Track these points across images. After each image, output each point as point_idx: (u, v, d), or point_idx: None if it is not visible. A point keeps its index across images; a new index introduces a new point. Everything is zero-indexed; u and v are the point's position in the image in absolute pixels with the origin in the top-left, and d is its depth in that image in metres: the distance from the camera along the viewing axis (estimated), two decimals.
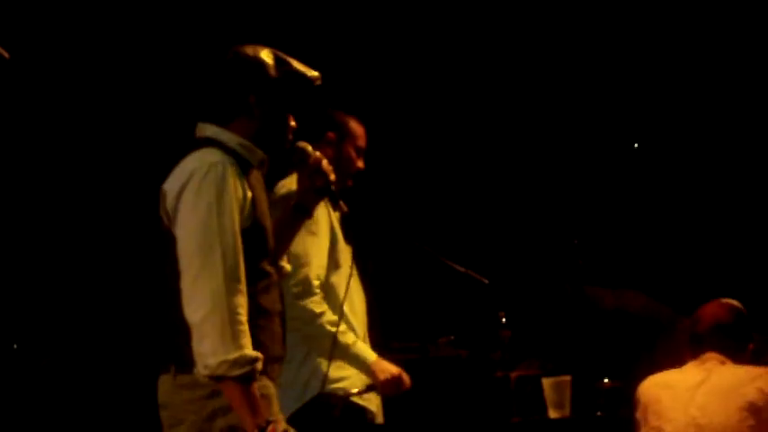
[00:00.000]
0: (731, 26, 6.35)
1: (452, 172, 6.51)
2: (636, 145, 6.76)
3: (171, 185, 2.91)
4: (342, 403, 3.72)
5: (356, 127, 4.11)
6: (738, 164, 6.62)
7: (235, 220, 2.85)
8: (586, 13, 6.37)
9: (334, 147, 4.00)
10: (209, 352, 2.75)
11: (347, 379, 3.78)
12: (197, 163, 2.90)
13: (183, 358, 2.85)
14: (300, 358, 3.78)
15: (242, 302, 2.81)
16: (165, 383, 2.93)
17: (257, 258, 2.93)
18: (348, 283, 3.66)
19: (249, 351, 2.78)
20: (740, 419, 3.71)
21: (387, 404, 4.16)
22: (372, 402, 3.92)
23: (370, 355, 3.95)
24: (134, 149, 5.68)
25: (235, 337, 2.76)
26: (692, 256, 6.49)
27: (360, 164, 4.09)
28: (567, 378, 4.67)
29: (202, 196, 2.84)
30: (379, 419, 4.00)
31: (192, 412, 2.85)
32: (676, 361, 4.16)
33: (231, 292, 2.79)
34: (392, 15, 6.17)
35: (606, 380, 4.95)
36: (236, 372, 2.75)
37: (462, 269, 4.52)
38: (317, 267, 3.88)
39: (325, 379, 3.69)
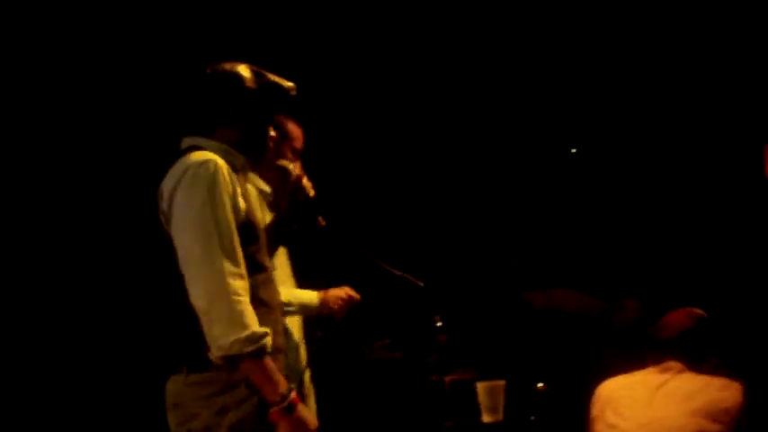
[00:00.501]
0: (663, 32, 6.39)
1: (389, 175, 6.51)
2: (573, 150, 6.79)
3: (166, 185, 3.06)
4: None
5: (294, 129, 4.09)
6: (671, 167, 6.67)
7: (229, 211, 2.99)
8: (518, 19, 6.37)
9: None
10: (220, 334, 2.88)
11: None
12: (189, 161, 3.04)
13: (194, 358, 2.99)
14: None
15: (244, 285, 2.95)
16: (177, 384, 3.05)
17: (253, 251, 3.07)
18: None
19: (258, 328, 2.91)
20: (694, 425, 3.74)
21: (321, 406, 4.14)
22: (307, 404, 3.88)
23: (311, 296, 4.00)
24: (128, 155, 5.65)
25: (242, 317, 2.89)
26: (627, 256, 6.53)
27: (297, 170, 3.99)
28: (501, 383, 4.68)
29: (196, 189, 2.98)
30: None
31: (205, 407, 2.97)
32: (623, 364, 4.20)
33: (233, 276, 2.93)
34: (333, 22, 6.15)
35: (540, 384, 4.97)
36: (249, 348, 2.89)
37: (398, 272, 4.52)
38: None
39: None
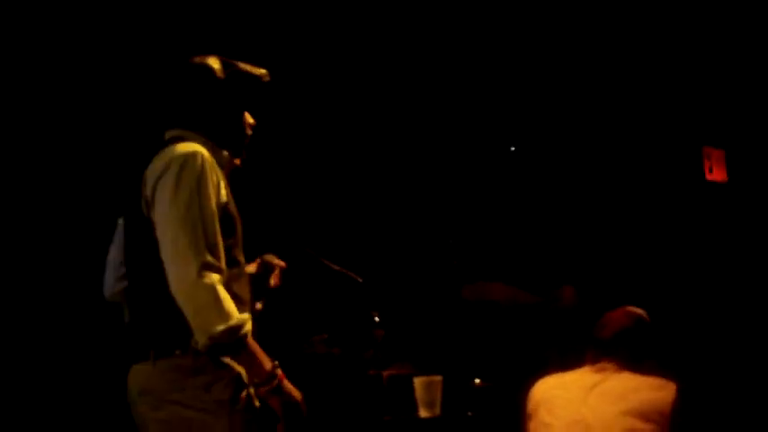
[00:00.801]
0: (601, 31, 6.43)
1: (329, 170, 6.49)
2: (512, 148, 6.82)
3: (151, 172, 3.10)
4: None
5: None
6: (607, 165, 6.72)
7: (214, 204, 3.05)
8: (458, 18, 6.38)
9: None
10: (207, 324, 2.93)
11: None
12: (176, 152, 3.09)
13: (162, 343, 3.06)
14: None
15: (222, 279, 3.00)
16: (144, 371, 3.10)
17: (230, 246, 3.13)
18: None
19: (240, 314, 2.98)
20: (625, 424, 3.76)
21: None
22: None
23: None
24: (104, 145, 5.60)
25: (227, 305, 2.95)
26: (562, 251, 6.57)
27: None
28: (439, 378, 4.69)
29: (184, 181, 3.03)
30: None
31: (177, 391, 3.03)
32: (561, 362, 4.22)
33: (215, 269, 2.98)
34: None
35: (477, 380, 4.99)
36: (237, 335, 2.96)
37: (337, 267, 4.51)
38: None
39: None
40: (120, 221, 3.39)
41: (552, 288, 5.94)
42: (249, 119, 3.38)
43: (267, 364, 3.08)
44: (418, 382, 4.69)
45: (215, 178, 3.09)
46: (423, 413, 4.66)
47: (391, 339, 5.01)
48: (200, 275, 2.95)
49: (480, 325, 5.71)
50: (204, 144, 3.20)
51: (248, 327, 3.00)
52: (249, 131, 3.39)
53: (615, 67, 6.56)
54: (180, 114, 3.29)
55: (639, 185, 6.64)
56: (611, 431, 3.76)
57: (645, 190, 6.63)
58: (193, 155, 3.08)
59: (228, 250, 3.10)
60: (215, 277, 2.97)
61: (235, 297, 3.05)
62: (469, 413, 4.83)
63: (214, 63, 3.30)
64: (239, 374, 3.05)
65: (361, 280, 4.55)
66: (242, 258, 3.21)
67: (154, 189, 3.08)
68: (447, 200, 6.65)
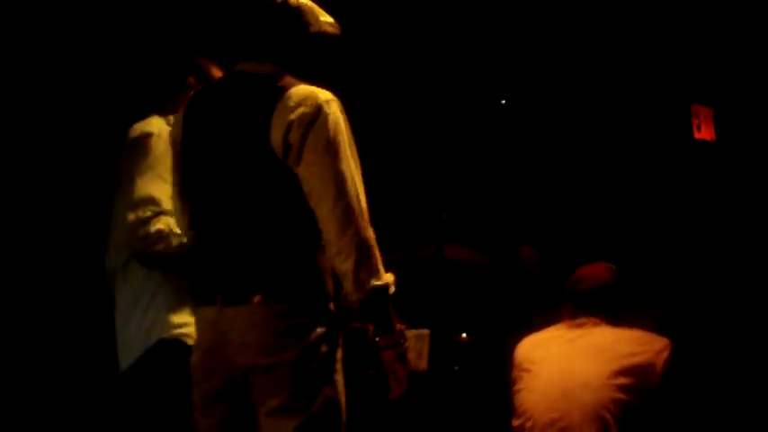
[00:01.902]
0: None
1: None
2: (503, 101, 6.79)
3: (294, 116, 2.99)
4: (184, 348, 3.58)
5: (218, 73, 3.92)
6: (599, 123, 6.71)
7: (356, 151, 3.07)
8: None
9: (194, 91, 3.87)
10: (368, 277, 2.96)
11: (190, 324, 3.64)
12: (320, 97, 3.05)
13: (282, 288, 2.99)
14: (145, 304, 3.66)
15: (372, 235, 3.03)
16: (260, 314, 2.99)
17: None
18: None
19: (389, 274, 3.03)
20: (608, 377, 3.75)
21: None
22: None
23: None
24: None
25: (381, 264, 3.01)
26: (560, 210, 6.58)
27: None
28: (426, 332, 4.67)
29: (338, 130, 3.02)
30: None
31: (295, 338, 2.99)
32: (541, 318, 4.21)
33: (371, 224, 3.03)
34: None
35: (464, 335, 4.98)
36: (389, 293, 3.03)
37: None
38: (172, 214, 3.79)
39: (168, 324, 3.60)
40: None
41: (508, 248, 5.94)
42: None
43: (399, 328, 3.12)
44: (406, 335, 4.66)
45: None
46: (409, 366, 4.64)
47: None
48: (366, 228, 2.98)
49: (465, 281, 5.70)
50: None
51: (393, 289, 3.04)
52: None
53: (605, 25, 6.52)
54: (254, 49, 3.20)
55: (628, 143, 6.62)
56: (592, 387, 3.76)
57: (633, 148, 6.61)
58: (336, 101, 3.08)
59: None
60: (372, 234, 3.01)
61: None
62: (456, 368, 4.82)
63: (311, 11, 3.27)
64: (361, 331, 3.16)
65: None
66: None
67: (305, 136, 2.98)
68: (436, 153, 6.61)
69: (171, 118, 3.76)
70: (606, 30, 6.53)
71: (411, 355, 4.60)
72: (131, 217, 3.51)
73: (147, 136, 3.64)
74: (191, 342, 3.53)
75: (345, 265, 2.97)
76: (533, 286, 5.71)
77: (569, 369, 3.83)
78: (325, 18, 3.30)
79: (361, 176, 3.03)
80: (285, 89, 3.05)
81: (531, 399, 3.88)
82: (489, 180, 6.76)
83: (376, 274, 2.98)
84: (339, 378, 3.12)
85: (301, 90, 3.05)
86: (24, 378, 5.30)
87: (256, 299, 2.98)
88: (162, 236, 3.50)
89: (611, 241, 6.06)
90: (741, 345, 5.65)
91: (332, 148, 2.98)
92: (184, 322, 3.62)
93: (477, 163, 6.75)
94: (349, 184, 2.97)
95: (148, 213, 3.52)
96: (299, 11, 3.22)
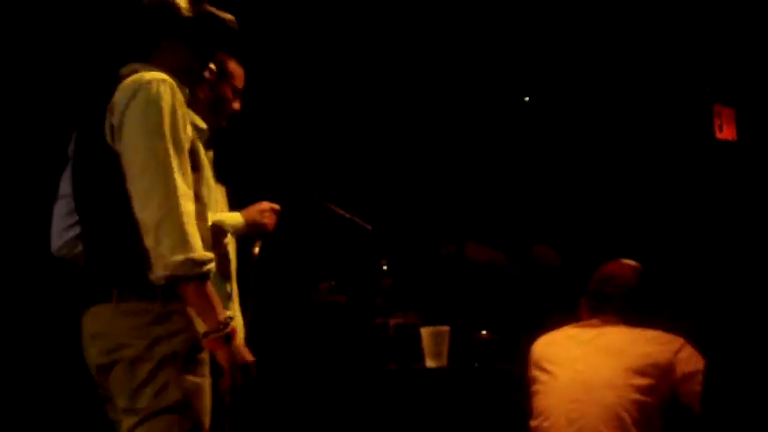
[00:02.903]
0: None
1: (342, 116, 6.47)
2: (527, 98, 6.79)
3: (119, 99, 2.94)
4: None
5: (234, 67, 3.97)
6: (620, 123, 6.70)
7: (183, 133, 2.93)
8: None
9: (209, 86, 3.86)
10: (168, 252, 2.81)
11: None
12: (145, 78, 2.95)
13: (127, 286, 2.92)
14: None
15: (193, 209, 2.89)
16: (105, 312, 2.94)
17: (194, 180, 2.99)
18: None
19: (205, 252, 2.86)
20: (626, 378, 3.73)
21: (263, 347, 4.08)
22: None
23: (235, 217, 3.90)
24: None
25: (193, 237, 2.84)
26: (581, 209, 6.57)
27: (236, 105, 3.96)
28: (446, 328, 4.67)
29: (154, 105, 2.89)
30: None
31: (137, 338, 2.88)
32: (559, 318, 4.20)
33: (185, 197, 2.86)
34: None
35: (484, 332, 4.97)
36: (198, 270, 2.83)
37: (346, 214, 4.48)
38: None
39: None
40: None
41: (526, 247, 5.93)
42: (211, 65, 3.28)
43: (221, 312, 2.91)
44: (425, 332, 4.67)
45: (183, 108, 2.97)
46: (429, 363, 4.65)
47: (399, 288, 5.00)
48: (169, 205, 2.83)
49: (486, 278, 5.70)
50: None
51: (211, 266, 2.87)
52: (209, 76, 3.32)
53: (627, 23, 6.51)
54: (139, 49, 3.13)
55: (649, 142, 6.60)
56: (611, 387, 3.74)
57: (655, 147, 6.59)
58: (164, 81, 2.93)
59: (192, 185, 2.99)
60: (186, 208, 2.86)
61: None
62: (476, 364, 4.81)
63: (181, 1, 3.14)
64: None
65: (370, 228, 4.52)
66: (204, 195, 3.09)
67: (122, 115, 2.92)
68: (459, 149, 6.62)
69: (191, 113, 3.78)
70: (628, 28, 6.52)
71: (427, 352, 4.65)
72: None
73: None
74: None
75: (147, 241, 2.84)
76: (553, 284, 5.71)
77: (588, 369, 3.82)
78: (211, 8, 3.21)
79: (183, 155, 2.90)
80: (124, 79, 3.01)
81: (549, 399, 3.87)
82: (512, 177, 6.75)
83: (180, 249, 2.81)
84: (192, 378, 2.91)
85: (135, 75, 2.98)
86: (40, 378, 5.33)
87: (113, 295, 2.94)
88: None
89: (631, 241, 6.04)
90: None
91: (146, 124, 2.88)
92: None
93: (499, 160, 6.75)
94: (157, 160, 2.85)
95: None
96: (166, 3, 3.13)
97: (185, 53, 3.14)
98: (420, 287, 5.61)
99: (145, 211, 2.84)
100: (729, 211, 6.32)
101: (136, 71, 3.03)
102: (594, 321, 3.98)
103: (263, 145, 4.28)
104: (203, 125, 3.81)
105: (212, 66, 3.22)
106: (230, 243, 3.85)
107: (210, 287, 2.88)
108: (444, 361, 4.65)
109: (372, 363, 4.81)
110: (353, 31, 6.42)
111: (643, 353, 3.77)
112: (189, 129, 2.98)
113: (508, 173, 6.77)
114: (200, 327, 2.93)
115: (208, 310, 2.88)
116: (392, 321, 4.87)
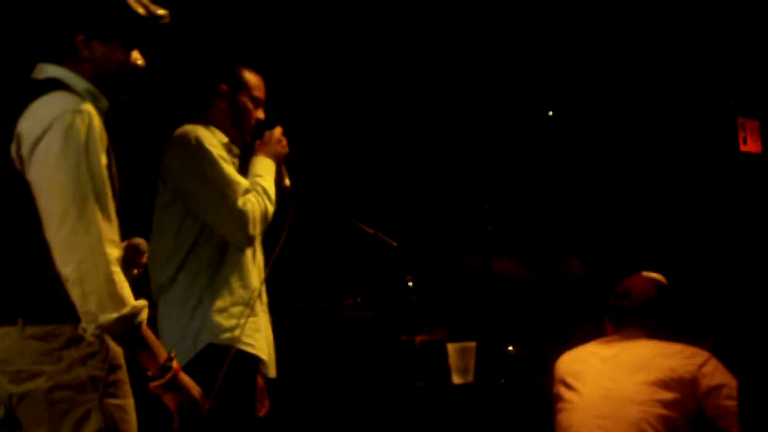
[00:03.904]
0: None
1: (365, 134, 6.48)
2: (550, 113, 6.79)
3: (28, 130, 2.69)
4: (233, 352, 3.51)
5: (251, 77, 3.88)
6: (645, 136, 6.70)
7: (104, 169, 2.71)
8: None
9: (227, 98, 3.82)
10: (98, 310, 2.62)
11: (238, 327, 3.62)
12: (57, 109, 2.70)
13: (34, 309, 2.70)
14: (191, 308, 3.63)
15: (119, 255, 2.70)
16: (9, 336, 2.70)
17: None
18: None
19: (135, 301, 2.67)
20: (650, 393, 3.72)
21: (291, 362, 4.10)
22: (263, 351, 3.74)
23: (264, 163, 3.80)
24: None
25: (121, 291, 2.65)
26: (606, 223, 6.56)
27: (259, 114, 3.86)
28: (472, 344, 4.67)
29: (71, 144, 2.66)
30: (272, 372, 3.86)
31: (48, 363, 2.67)
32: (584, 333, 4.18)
33: (110, 243, 2.67)
34: None
35: (511, 347, 4.97)
36: (131, 324, 2.65)
37: (372, 231, 4.49)
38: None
39: (217, 329, 3.60)
40: None
41: (556, 262, 5.92)
42: (139, 61, 2.96)
43: (161, 355, 2.73)
44: (452, 348, 4.67)
45: (103, 137, 2.74)
46: (456, 379, 4.65)
47: (425, 305, 5.00)
48: (94, 259, 2.64)
49: (510, 295, 5.71)
50: (85, 92, 2.82)
51: (143, 315, 2.68)
52: (133, 75, 2.96)
53: (652, 38, 6.51)
54: (54, 48, 2.87)
55: (675, 156, 6.60)
56: (636, 402, 3.73)
57: (680, 160, 6.59)
58: (81, 113, 2.69)
59: None
60: (112, 255, 2.67)
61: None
62: (502, 380, 4.81)
63: None
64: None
65: (396, 244, 4.52)
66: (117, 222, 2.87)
67: (32, 150, 2.67)
68: (484, 164, 6.62)
69: (213, 129, 3.76)
70: (653, 43, 6.52)
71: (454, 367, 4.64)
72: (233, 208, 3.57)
73: (194, 142, 3.65)
74: (239, 346, 3.58)
75: (73, 294, 2.63)
76: (578, 299, 5.70)
77: (612, 385, 3.81)
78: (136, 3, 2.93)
79: (105, 195, 2.69)
80: (34, 99, 2.75)
81: (575, 416, 3.86)
82: (536, 191, 6.75)
83: (110, 307, 2.62)
84: (114, 401, 2.73)
85: (42, 101, 2.73)
86: None
87: (18, 321, 2.69)
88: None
89: (656, 254, 6.04)
90: None
91: (63, 165, 2.65)
92: (234, 325, 3.63)
93: (524, 174, 6.75)
94: (77, 205, 2.65)
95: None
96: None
97: (102, 53, 2.86)
98: (446, 303, 5.60)
99: (68, 266, 2.64)
100: (755, 223, 6.31)
101: (54, 79, 2.81)
102: (617, 336, 3.98)
103: (290, 161, 4.27)
104: (224, 138, 3.78)
105: (141, 61, 3.02)
106: (257, 248, 3.81)
107: (147, 331, 2.71)
108: (471, 377, 4.65)
109: (399, 379, 4.81)
110: (383, 51, 6.44)
111: (667, 367, 3.75)
112: (104, 158, 2.73)
113: (533, 187, 6.77)
114: (116, 345, 2.77)
115: (147, 356, 2.71)
116: (418, 338, 4.87)
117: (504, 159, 6.73)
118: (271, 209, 3.67)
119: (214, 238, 3.66)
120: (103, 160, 2.72)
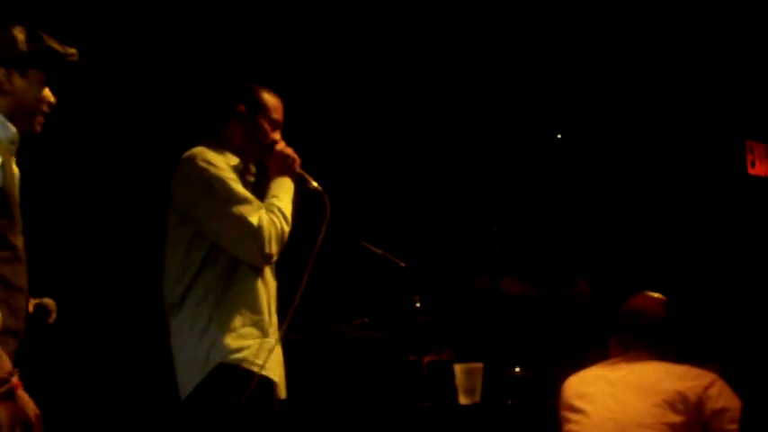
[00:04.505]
0: (647, 20, 6.38)
1: (372, 154, 6.48)
2: (558, 136, 6.80)
3: None
4: (243, 373, 3.53)
5: (269, 98, 3.86)
6: (653, 158, 6.70)
7: None
8: (503, 5, 6.35)
9: (245, 120, 3.80)
10: None
11: (247, 348, 3.60)
12: None
13: None
14: (201, 329, 3.61)
15: None
16: None
17: (1, 228, 2.90)
18: None
19: None
20: (658, 416, 3.72)
21: (297, 383, 4.09)
22: (275, 372, 3.71)
23: (283, 184, 3.80)
24: None
25: None
26: (613, 244, 6.56)
27: (275, 136, 3.85)
28: (479, 365, 4.67)
29: None
30: (282, 394, 3.86)
31: None
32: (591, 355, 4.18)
33: None
34: None
35: (517, 368, 4.97)
36: None
37: (380, 251, 4.49)
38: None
39: (226, 349, 3.57)
40: None
41: (562, 282, 5.93)
42: (49, 96, 3.13)
43: (2, 368, 2.70)
44: (459, 368, 4.68)
45: None
46: (463, 400, 4.65)
47: (432, 325, 4.99)
48: None
49: (521, 314, 5.70)
50: None
51: None
52: (46, 109, 3.13)
53: (659, 61, 6.52)
54: None
55: (682, 178, 6.60)
56: (641, 426, 3.73)
57: (688, 183, 6.59)
58: None
59: None
60: None
61: (1, 280, 2.87)
62: (509, 401, 4.81)
63: (19, 33, 3.06)
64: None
65: (403, 264, 4.52)
66: (18, 242, 2.97)
67: None
68: (492, 186, 6.63)
69: (227, 154, 3.74)
70: (662, 67, 6.53)
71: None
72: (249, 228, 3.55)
73: (201, 164, 3.63)
74: (248, 366, 3.57)
75: None
76: (586, 320, 5.70)
77: (619, 408, 3.80)
78: (52, 41, 3.14)
79: None
80: None
81: None
82: (544, 213, 6.76)
83: None
84: None
85: None
86: (88, 405, 5.35)
87: None
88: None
89: (664, 277, 6.03)
90: None
91: None
92: (242, 346, 3.61)
93: (532, 197, 6.76)
94: None
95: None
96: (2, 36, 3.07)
97: (19, 89, 3.05)
98: (453, 324, 5.60)
99: None
100: (762, 245, 6.31)
101: None
102: (623, 358, 3.97)
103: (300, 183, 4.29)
104: (235, 160, 3.75)
105: (51, 98, 3.14)
106: (268, 270, 3.79)
107: None
108: (477, 398, 4.65)
109: (406, 399, 4.81)
110: (392, 70, 6.45)
111: (673, 389, 3.75)
112: None
113: (541, 208, 6.77)
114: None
115: None
116: (426, 358, 4.87)
117: (513, 181, 6.73)
118: (286, 229, 3.66)
119: (223, 259, 3.63)
120: None
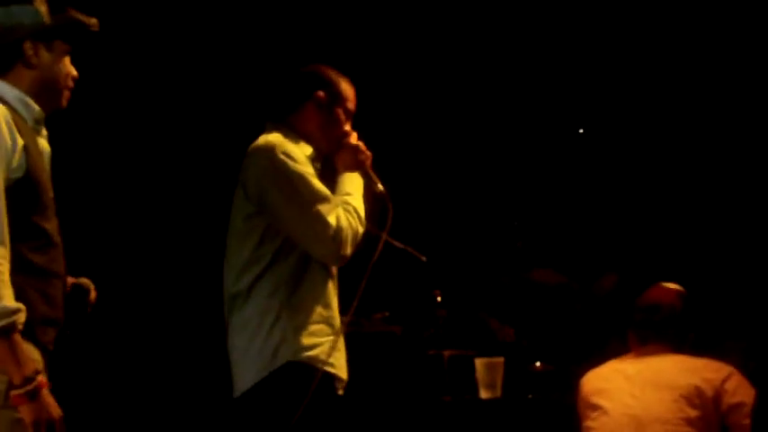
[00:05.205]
0: (673, 14, 6.36)
1: (394, 148, 6.47)
2: (581, 130, 6.78)
3: None
4: (313, 372, 3.46)
5: (347, 87, 3.78)
6: (678, 149, 6.67)
7: (9, 161, 2.78)
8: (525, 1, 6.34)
9: (322, 107, 3.70)
10: None
11: (319, 346, 3.53)
12: None
13: None
14: (270, 323, 3.51)
15: (3, 254, 2.71)
16: None
17: (28, 213, 2.84)
18: None
19: (10, 302, 2.68)
20: (675, 411, 3.72)
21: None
22: (344, 370, 3.66)
23: (353, 180, 3.77)
24: None
25: (2, 287, 2.67)
26: (637, 238, 6.54)
27: (346, 127, 3.77)
28: (500, 359, 4.66)
29: None
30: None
31: None
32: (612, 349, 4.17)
33: None
34: None
35: (538, 363, 4.97)
36: (4, 322, 2.66)
37: (401, 245, 4.48)
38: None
39: (297, 346, 3.49)
40: None
41: (595, 275, 5.91)
42: (72, 70, 3.06)
43: (29, 367, 2.70)
44: (480, 363, 4.67)
45: (7, 140, 2.80)
46: (483, 394, 4.64)
47: (453, 319, 4.99)
48: None
49: (542, 308, 5.69)
50: (16, 99, 2.94)
51: (17, 318, 2.68)
52: (71, 83, 3.06)
53: (682, 53, 6.50)
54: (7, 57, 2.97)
55: (707, 169, 6.57)
56: (660, 421, 3.73)
57: (712, 174, 6.56)
58: None
59: (25, 218, 2.82)
60: None
61: (33, 269, 2.83)
62: (530, 396, 4.80)
63: (41, 5, 2.97)
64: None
65: (424, 259, 4.51)
66: (50, 225, 2.91)
67: None
68: (513, 181, 6.61)
69: (302, 143, 3.66)
70: (683, 59, 6.51)
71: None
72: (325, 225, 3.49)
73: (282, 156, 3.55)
74: (320, 366, 3.49)
75: None
76: (610, 314, 5.68)
77: (638, 403, 3.81)
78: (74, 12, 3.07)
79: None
80: None
81: None
82: (567, 209, 6.74)
83: None
84: (15, 416, 2.72)
85: None
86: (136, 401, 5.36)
87: None
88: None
89: (691, 270, 6.00)
90: None
91: None
92: (315, 343, 3.55)
93: (554, 192, 6.74)
94: None
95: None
96: (22, 9, 2.98)
97: (44, 62, 2.99)
98: (474, 318, 5.60)
99: None
100: None
101: None
102: (641, 352, 3.97)
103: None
104: (309, 150, 3.68)
105: (74, 72, 3.08)
106: (334, 269, 3.74)
107: (17, 338, 2.70)
108: (498, 392, 4.64)
109: (426, 394, 4.81)
110: (413, 68, 6.45)
111: (691, 383, 3.76)
112: (17, 158, 2.82)
113: (563, 204, 6.76)
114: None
115: (11, 363, 2.69)
116: (446, 352, 4.86)
117: (535, 176, 6.72)
118: (361, 230, 3.62)
119: (295, 254, 3.56)
120: (4, 161, 2.77)
